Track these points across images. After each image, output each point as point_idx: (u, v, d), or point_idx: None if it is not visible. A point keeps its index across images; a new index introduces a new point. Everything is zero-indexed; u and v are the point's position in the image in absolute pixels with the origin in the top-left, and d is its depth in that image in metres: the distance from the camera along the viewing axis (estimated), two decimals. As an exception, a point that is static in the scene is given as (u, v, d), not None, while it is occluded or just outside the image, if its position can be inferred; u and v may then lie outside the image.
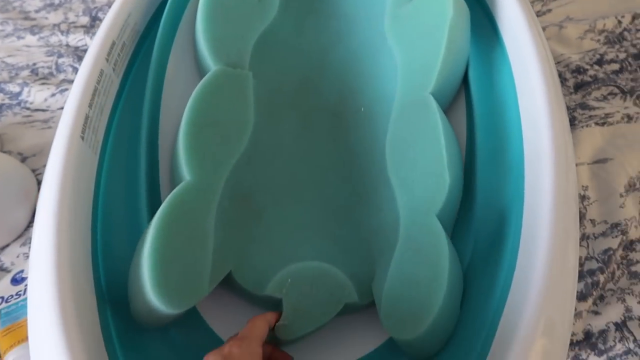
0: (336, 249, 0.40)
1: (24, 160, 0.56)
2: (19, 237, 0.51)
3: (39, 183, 0.53)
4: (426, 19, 0.43)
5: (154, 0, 0.49)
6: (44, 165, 0.50)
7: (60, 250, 0.34)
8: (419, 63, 0.43)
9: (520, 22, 0.43)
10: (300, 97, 0.47)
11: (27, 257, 0.49)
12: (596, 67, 0.58)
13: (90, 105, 0.40)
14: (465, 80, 0.46)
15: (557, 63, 0.59)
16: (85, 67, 0.41)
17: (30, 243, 0.49)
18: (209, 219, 0.37)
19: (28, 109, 0.59)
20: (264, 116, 0.44)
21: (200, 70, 0.46)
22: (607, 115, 0.54)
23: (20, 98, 0.60)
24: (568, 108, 0.55)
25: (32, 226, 0.50)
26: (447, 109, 0.45)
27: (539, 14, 0.63)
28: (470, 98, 0.45)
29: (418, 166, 0.40)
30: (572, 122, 0.54)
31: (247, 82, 0.43)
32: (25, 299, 0.45)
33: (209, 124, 0.40)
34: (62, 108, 0.59)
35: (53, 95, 0.60)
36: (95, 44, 0.43)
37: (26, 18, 0.68)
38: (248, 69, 0.44)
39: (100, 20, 0.66)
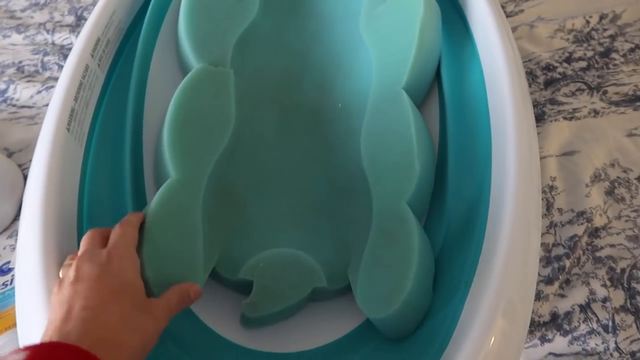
0: (312, 238, 0.42)
1: (10, 155, 0.57)
2: (6, 229, 0.52)
3: (25, 178, 0.54)
4: (399, 18, 0.45)
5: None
6: (30, 160, 0.51)
7: (47, 240, 0.35)
8: (392, 60, 0.45)
9: (489, 20, 0.45)
10: (281, 93, 0.48)
11: (14, 248, 0.50)
12: (565, 64, 0.60)
13: (75, 99, 0.41)
14: (438, 76, 0.48)
15: (529, 61, 0.61)
16: (71, 62, 0.43)
17: (16, 235, 0.49)
18: (196, 214, 0.38)
19: (14, 105, 0.60)
20: (246, 112, 0.46)
21: (183, 68, 0.47)
22: (574, 110, 0.56)
23: (6, 95, 0.61)
24: (538, 103, 0.58)
25: (18, 219, 0.51)
26: (421, 103, 0.47)
27: (511, 14, 0.66)
28: (443, 93, 0.47)
29: (390, 157, 0.41)
30: (542, 116, 0.57)
31: (228, 80, 0.45)
32: (12, 288, 0.46)
33: (192, 121, 0.41)
34: (48, 105, 0.60)
35: (39, 92, 0.61)
36: (80, 40, 0.45)
37: (12, 17, 0.69)
38: (230, 66, 0.46)
39: (86, 19, 0.67)
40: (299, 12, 0.52)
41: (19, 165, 0.56)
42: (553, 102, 0.58)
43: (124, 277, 0.30)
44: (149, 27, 0.47)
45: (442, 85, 0.47)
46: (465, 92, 0.46)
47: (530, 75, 0.60)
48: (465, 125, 0.45)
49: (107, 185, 0.42)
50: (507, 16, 0.66)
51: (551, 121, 0.56)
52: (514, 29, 0.63)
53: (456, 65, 0.47)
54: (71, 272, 0.29)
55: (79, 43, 0.44)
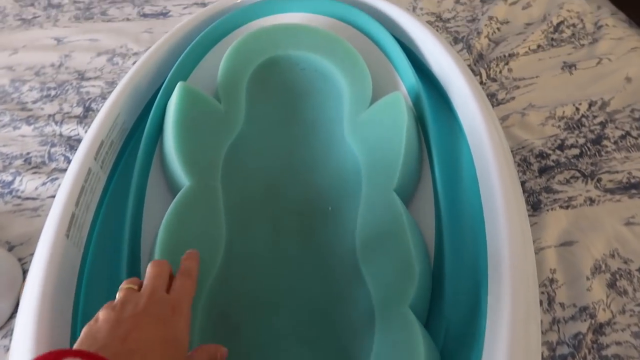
0: (314, 353, 0.41)
1: (11, 249, 0.57)
2: (2, 327, 0.51)
3: (25, 272, 0.54)
4: (384, 124, 0.48)
5: (142, 99, 0.53)
6: (31, 254, 0.51)
7: (39, 347, 0.35)
8: (381, 165, 0.46)
9: (477, 114, 0.47)
10: (269, 203, 0.49)
11: (8, 349, 0.49)
12: (558, 152, 0.61)
13: (77, 204, 0.42)
14: (430, 163, 0.49)
15: (522, 148, 0.63)
16: (75, 166, 0.44)
17: (11, 335, 0.49)
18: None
19: (19, 197, 0.61)
20: (236, 229, 0.46)
21: (172, 185, 0.47)
22: (570, 198, 0.57)
23: (12, 187, 0.62)
24: (534, 192, 0.58)
25: (15, 317, 0.50)
26: (413, 198, 0.48)
27: (503, 101, 0.68)
28: (436, 186, 0.47)
29: (388, 262, 0.42)
30: (539, 205, 0.57)
31: (217, 197, 0.45)
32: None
33: (183, 247, 0.40)
34: (52, 197, 0.61)
35: (44, 184, 0.62)
36: (85, 143, 0.46)
37: (23, 109, 0.72)
38: (219, 180, 0.46)
39: (93, 110, 0.70)
40: (283, 118, 0.54)
41: (20, 259, 0.56)
42: (548, 190, 0.58)
43: (177, 332, 0.31)
44: (151, 129, 0.49)
45: (435, 178, 0.47)
46: (458, 183, 0.47)
47: (525, 163, 0.61)
48: (458, 220, 0.45)
49: (104, 288, 0.42)
50: (499, 104, 0.68)
51: (548, 210, 0.56)
52: (506, 117, 0.65)
53: (447, 155, 0.49)
54: (140, 301, 0.31)
55: (83, 146, 0.46)
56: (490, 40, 0.75)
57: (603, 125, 0.64)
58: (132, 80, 0.51)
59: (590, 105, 0.65)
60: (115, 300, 0.32)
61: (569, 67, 0.70)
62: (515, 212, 0.42)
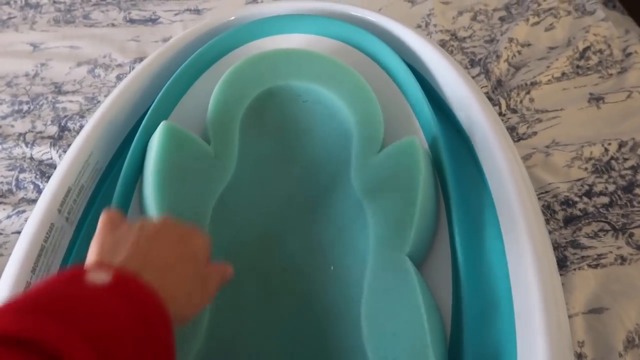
0: None
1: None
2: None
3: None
4: (397, 175, 0.42)
5: (118, 134, 0.46)
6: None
7: None
8: (392, 222, 0.40)
9: (501, 162, 0.41)
10: (262, 261, 0.43)
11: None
12: (585, 199, 0.56)
13: (33, 270, 0.36)
14: (448, 217, 0.43)
15: (545, 193, 0.57)
16: (33, 222, 0.38)
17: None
18: None
19: (-20, 231, 0.55)
20: (222, 292, 0.40)
21: None
22: (599, 256, 0.51)
23: (-27, 219, 0.55)
24: (559, 246, 0.52)
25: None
26: (427, 257, 0.42)
27: (524, 136, 0.62)
28: (455, 247, 0.42)
29: (399, 344, 0.36)
30: (564, 262, 0.51)
31: None
32: None
33: None
34: (17, 232, 0.54)
35: (9, 217, 0.55)
36: (48, 191, 0.40)
37: (-9, 125, 0.65)
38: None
39: (70, 130, 0.63)
40: (281, 159, 0.47)
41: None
42: (575, 245, 0.52)
43: (197, 249, 0.31)
44: (128, 172, 0.42)
45: (454, 238, 0.41)
46: (480, 245, 0.42)
47: (549, 210, 0.55)
48: (480, 286, 0.40)
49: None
50: (520, 139, 0.62)
51: (575, 269, 0.50)
52: (528, 156, 0.59)
53: (468, 212, 0.43)
54: (158, 223, 0.30)
55: (46, 196, 0.39)
56: (510, 64, 0.69)
57: (635, 170, 0.58)
58: (108, 111, 0.44)
59: (620, 145, 0.59)
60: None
61: (596, 99, 0.64)
62: (548, 279, 0.37)
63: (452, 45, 0.72)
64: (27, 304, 0.21)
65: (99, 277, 0.23)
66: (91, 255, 0.28)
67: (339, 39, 0.54)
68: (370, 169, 0.44)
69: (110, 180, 0.44)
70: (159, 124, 0.43)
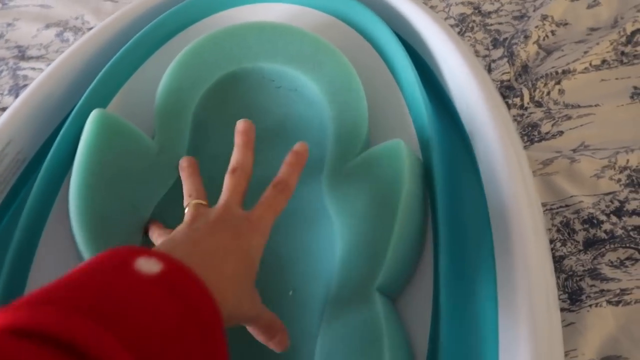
0: None
1: None
2: None
3: None
4: (374, 187, 0.35)
5: (49, 121, 0.40)
6: None
7: None
8: (363, 246, 0.34)
9: (504, 178, 0.34)
10: None
11: None
12: (614, 218, 0.48)
13: None
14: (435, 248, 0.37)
15: (565, 207, 0.49)
16: None
17: None
18: None
19: None
20: None
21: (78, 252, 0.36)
22: (623, 291, 0.44)
23: None
24: (574, 274, 0.45)
25: None
26: (406, 292, 0.36)
27: (547, 136, 0.54)
28: (438, 283, 0.35)
29: None
30: (579, 296, 0.44)
31: None
32: None
33: None
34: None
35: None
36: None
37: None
38: None
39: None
40: None
41: None
42: (594, 274, 0.45)
43: (252, 247, 0.29)
44: (51, 167, 0.36)
45: (437, 277, 0.35)
46: (468, 274, 0.35)
47: (566, 229, 0.48)
48: (463, 337, 0.34)
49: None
50: (542, 139, 0.54)
51: (590, 306, 0.43)
52: (549, 161, 0.51)
53: (457, 232, 0.36)
54: (212, 212, 0.30)
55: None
56: (540, 47, 0.60)
57: (679, 186, 0.49)
58: (36, 93, 0.39)
59: (664, 154, 0.51)
60: (187, 217, 0.31)
61: (642, 95, 0.55)
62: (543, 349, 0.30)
63: (474, 21, 0.63)
64: (63, 294, 0.19)
65: (149, 266, 0.21)
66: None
67: (329, 12, 0.46)
68: (345, 176, 0.37)
69: (39, 174, 0.39)
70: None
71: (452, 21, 0.63)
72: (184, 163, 0.36)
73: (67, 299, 0.18)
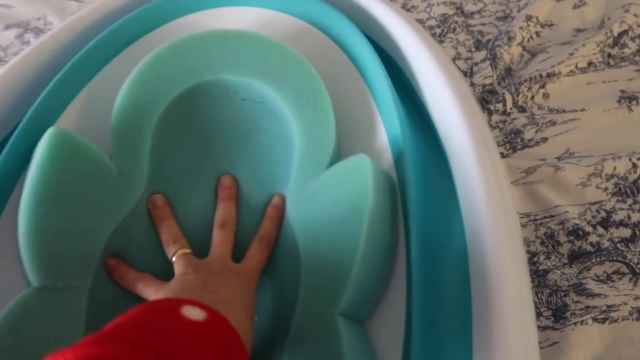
0: None
1: None
2: None
3: None
4: (338, 203, 0.33)
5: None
6: None
7: None
8: (326, 268, 0.32)
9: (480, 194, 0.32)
10: None
11: None
12: (600, 230, 0.46)
13: None
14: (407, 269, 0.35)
15: (549, 218, 0.47)
16: None
17: None
18: None
19: None
20: None
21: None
22: (610, 307, 0.42)
23: None
24: (558, 289, 0.44)
25: None
26: (376, 315, 0.34)
27: (530, 143, 0.52)
28: (410, 307, 0.33)
29: None
30: (563, 313, 0.42)
31: (79, 306, 0.31)
32: None
33: None
34: None
35: None
36: None
37: None
38: (90, 282, 0.32)
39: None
40: (205, 175, 0.38)
41: None
42: (580, 290, 0.43)
43: (252, 300, 0.32)
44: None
45: (409, 301, 0.33)
46: (442, 298, 0.33)
47: (550, 240, 0.46)
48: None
49: None
50: (525, 146, 0.52)
51: (575, 324, 0.41)
52: (532, 169, 0.49)
53: (431, 257, 0.34)
54: (213, 266, 0.32)
55: None
56: (524, 49, 0.58)
57: (667, 195, 0.47)
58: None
59: (652, 161, 0.49)
60: (181, 267, 0.32)
61: (629, 99, 0.53)
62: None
63: (456, 22, 0.61)
64: (125, 332, 0.21)
65: (195, 314, 0.24)
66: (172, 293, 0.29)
67: (302, 18, 0.44)
68: (308, 194, 0.35)
69: None
70: (43, 126, 0.34)
71: (433, 22, 0.61)
72: (157, 202, 0.36)
73: (131, 338, 0.21)
